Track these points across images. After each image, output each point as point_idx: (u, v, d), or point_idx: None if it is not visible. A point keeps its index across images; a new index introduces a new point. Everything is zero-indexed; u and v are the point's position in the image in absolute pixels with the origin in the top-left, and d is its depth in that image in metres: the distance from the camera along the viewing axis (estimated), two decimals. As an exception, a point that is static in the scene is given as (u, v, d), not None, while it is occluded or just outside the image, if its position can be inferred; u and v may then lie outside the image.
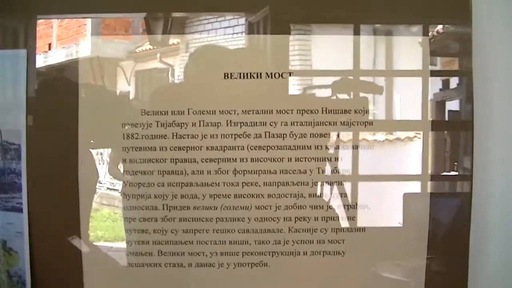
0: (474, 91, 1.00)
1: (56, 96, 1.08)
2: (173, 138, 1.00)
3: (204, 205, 1.00)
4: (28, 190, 1.04)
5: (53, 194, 1.05)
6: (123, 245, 1.04)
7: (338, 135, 1.01)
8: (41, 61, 1.10)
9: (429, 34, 1.02)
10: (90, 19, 1.09)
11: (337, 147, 1.01)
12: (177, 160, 0.99)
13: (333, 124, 1.01)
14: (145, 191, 1.01)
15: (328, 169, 1.02)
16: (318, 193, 1.02)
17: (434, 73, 1.03)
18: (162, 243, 1.02)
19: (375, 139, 1.04)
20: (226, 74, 1.00)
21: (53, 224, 1.05)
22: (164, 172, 1.00)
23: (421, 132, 1.01)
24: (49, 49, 1.12)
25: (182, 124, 0.99)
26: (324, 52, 1.06)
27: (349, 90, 1.04)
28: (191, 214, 1.01)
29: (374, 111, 1.02)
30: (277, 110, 1.00)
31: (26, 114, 1.04)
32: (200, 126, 1.00)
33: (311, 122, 1.00)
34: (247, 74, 1.00)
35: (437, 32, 1.02)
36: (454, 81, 1.06)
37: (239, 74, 1.00)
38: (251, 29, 1.04)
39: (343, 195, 1.02)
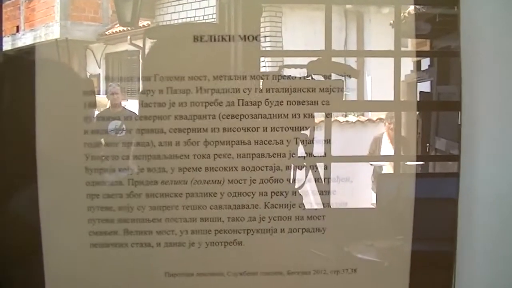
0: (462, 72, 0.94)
1: (23, 75, 1.00)
2: (138, 106, 0.92)
3: (173, 179, 0.94)
4: None
5: (9, 170, 0.97)
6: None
7: (315, 103, 0.93)
8: (8, 44, 1.06)
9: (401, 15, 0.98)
10: (58, 1, 1.06)
11: (312, 116, 0.93)
12: (143, 131, 0.92)
13: (312, 91, 0.93)
14: (109, 165, 0.93)
15: (306, 139, 0.95)
16: (296, 165, 0.94)
17: (420, 54, 1.02)
18: (128, 221, 0.95)
19: (346, 120, 1.02)
20: (196, 37, 0.92)
21: (10, 202, 0.98)
22: (129, 144, 0.92)
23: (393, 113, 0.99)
24: (17, 31, 1.08)
25: (148, 92, 0.92)
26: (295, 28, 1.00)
27: (324, 71, 0.98)
28: (159, 189, 0.94)
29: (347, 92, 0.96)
30: (251, 76, 0.93)
31: None
32: (167, 93, 0.93)
33: (288, 89, 0.92)
34: (219, 36, 0.92)
35: (408, 13, 0.99)
36: (425, 62, 1.04)
37: (210, 37, 0.92)
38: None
39: (322, 167, 0.95)
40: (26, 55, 1.03)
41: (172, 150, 0.96)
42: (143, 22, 1.03)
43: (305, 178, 0.97)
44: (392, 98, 0.99)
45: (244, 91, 0.95)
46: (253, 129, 0.96)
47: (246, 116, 0.95)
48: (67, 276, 1.00)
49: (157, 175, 0.96)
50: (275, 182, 0.96)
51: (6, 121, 0.99)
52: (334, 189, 0.98)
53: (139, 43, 1.06)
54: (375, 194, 1.01)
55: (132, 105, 1.02)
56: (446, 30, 1.02)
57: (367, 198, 1.02)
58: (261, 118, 0.96)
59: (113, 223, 0.97)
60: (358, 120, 1.00)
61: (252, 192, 0.96)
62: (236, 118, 0.95)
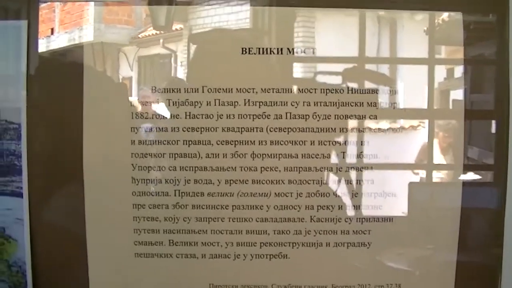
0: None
1: (59, 76, 1.02)
2: (186, 118, 0.94)
3: (220, 191, 0.94)
4: (28, 174, 0.96)
5: (55, 178, 0.97)
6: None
7: (363, 117, 0.93)
8: (43, 46, 1.06)
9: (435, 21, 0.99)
10: (93, 4, 1.06)
11: (361, 130, 0.93)
12: (190, 142, 0.93)
13: (360, 105, 0.93)
14: (156, 176, 0.93)
15: (353, 154, 0.95)
16: (343, 179, 0.94)
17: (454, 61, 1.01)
18: (173, 232, 0.96)
19: (379, 128, 1.00)
20: (244, 49, 0.93)
21: (55, 210, 0.98)
22: (176, 155, 0.93)
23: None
24: (52, 33, 1.08)
25: (196, 103, 0.92)
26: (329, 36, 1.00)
27: (360, 79, 0.99)
28: (205, 201, 0.94)
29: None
30: (299, 89, 0.93)
31: (26, 90, 0.96)
32: (215, 105, 0.93)
33: (336, 103, 0.92)
34: (267, 49, 0.93)
35: (443, 20, 0.99)
36: (459, 70, 1.01)
37: (258, 50, 0.92)
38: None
39: (369, 181, 0.95)
40: (63, 57, 1.03)
41: (219, 162, 0.96)
42: (176, 26, 1.04)
43: (351, 192, 0.97)
44: (425, 106, 1.00)
45: (292, 104, 0.95)
46: (301, 143, 0.96)
47: (294, 130, 0.95)
48: (111, 285, 1.01)
49: (204, 186, 0.96)
50: (321, 196, 0.97)
51: (52, 128, 0.99)
52: (380, 204, 0.98)
53: (172, 46, 1.06)
54: (418, 205, 1.00)
55: (162, 108, 1.02)
56: (480, 38, 1.02)
57: (410, 210, 1.01)
58: (309, 131, 0.95)
59: (158, 234, 0.98)
60: (390, 128, 0.98)
61: (299, 206, 0.97)
62: (284, 131, 0.95)
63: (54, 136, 0.99)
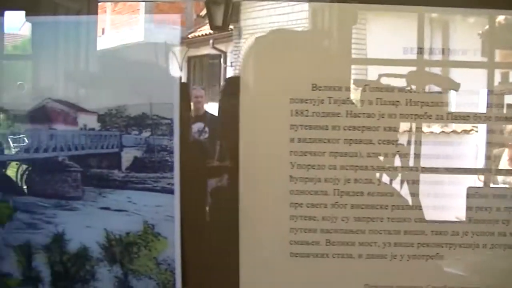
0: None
1: (211, 72, 1.06)
2: (347, 116, 0.91)
3: (379, 191, 0.92)
4: (181, 170, 0.94)
5: (208, 174, 0.96)
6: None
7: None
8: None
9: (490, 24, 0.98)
10: (143, 4, 1.07)
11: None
12: (351, 141, 0.91)
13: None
14: (315, 174, 0.92)
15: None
16: (502, 180, 0.94)
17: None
18: (330, 232, 0.94)
19: (431, 131, 1.01)
20: (405, 49, 0.92)
21: (207, 208, 0.96)
22: (336, 154, 0.92)
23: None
24: (102, 33, 1.08)
25: (362, 102, 0.91)
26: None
27: (425, 83, 0.99)
28: (364, 200, 0.94)
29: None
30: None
31: (180, 86, 0.95)
32: (377, 104, 0.91)
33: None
34: (429, 49, 0.92)
35: (498, 22, 0.98)
36: None
37: (419, 49, 0.92)
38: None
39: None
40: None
41: (380, 162, 0.95)
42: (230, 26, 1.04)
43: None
44: (478, 110, 0.99)
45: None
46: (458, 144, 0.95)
47: (458, 131, 0.94)
48: (262, 285, 1.00)
49: (364, 186, 0.95)
50: (481, 197, 0.96)
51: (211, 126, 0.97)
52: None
53: (222, 47, 1.09)
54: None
55: (213, 108, 1.04)
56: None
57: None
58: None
59: (315, 233, 0.97)
60: (443, 132, 1.00)
61: (457, 207, 0.96)
62: (446, 134, 0.94)
63: (209, 132, 0.96)
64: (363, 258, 0.96)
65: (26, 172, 1.03)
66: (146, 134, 0.96)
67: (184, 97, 0.94)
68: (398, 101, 0.94)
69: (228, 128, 0.94)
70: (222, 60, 1.10)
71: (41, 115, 1.02)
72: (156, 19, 1.08)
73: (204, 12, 1.06)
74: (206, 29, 1.10)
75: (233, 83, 0.94)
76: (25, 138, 1.02)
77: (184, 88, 0.95)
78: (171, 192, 0.96)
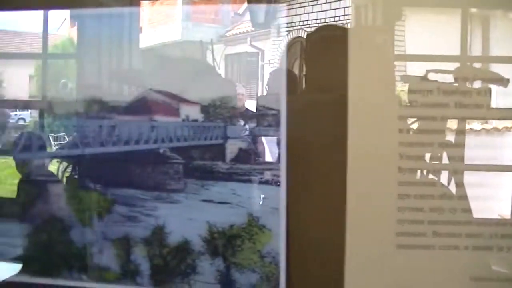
0: None
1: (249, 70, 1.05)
2: (455, 107, 0.91)
3: (488, 182, 0.92)
4: (287, 161, 0.93)
5: (315, 166, 0.95)
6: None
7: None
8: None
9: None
10: (180, 3, 1.11)
11: None
12: (459, 132, 0.91)
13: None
14: (423, 165, 0.92)
15: None
16: None
17: None
18: (437, 223, 0.93)
19: (471, 128, 1.00)
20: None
21: (314, 201, 0.95)
22: (444, 145, 0.91)
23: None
24: (140, 32, 1.11)
25: (466, 93, 0.90)
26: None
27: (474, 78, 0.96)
28: (472, 192, 0.92)
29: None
30: None
31: (286, 77, 0.94)
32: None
33: None
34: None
35: None
36: None
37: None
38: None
39: None
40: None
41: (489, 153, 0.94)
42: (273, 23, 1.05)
43: None
44: None
45: None
46: None
47: None
48: (368, 277, 0.99)
49: (472, 177, 0.94)
50: None
51: (314, 115, 0.96)
52: None
53: (259, 45, 1.09)
54: None
55: (251, 105, 1.04)
56: None
57: None
58: None
59: (422, 225, 0.96)
60: (483, 128, 0.99)
61: None
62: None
63: (316, 124, 0.95)
64: (469, 250, 0.95)
65: (125, 165, 1.01)
66: (251, 125, 0.95)
67: (292, 88, 0.92)
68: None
69: (335, 119, 0.92)
70: (259, 57, 1.09)
71: (142, 106, 1.00)
72: (193, 17, 1.13)
73: (242, 10, 1.08)
74: (243, 27, 1.11)
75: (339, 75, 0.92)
76: (125, 130, 1.00)
77: (291, 78, 0.93)
78: (277, 183, 0.94)
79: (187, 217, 0.98)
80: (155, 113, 0.98)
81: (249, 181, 0.95)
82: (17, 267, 1.16)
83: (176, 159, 0.98)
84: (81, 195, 1.04)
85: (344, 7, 1.01)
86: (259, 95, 0.99)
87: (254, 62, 1.08)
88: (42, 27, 1.25)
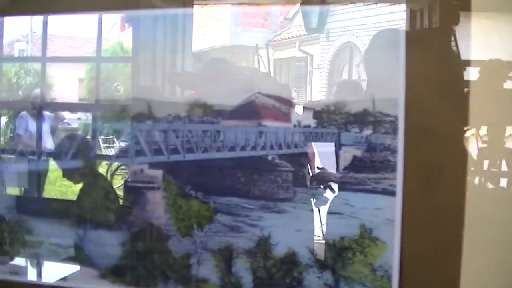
0: None
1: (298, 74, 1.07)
2: None
3: None
4: (404, 171, 0.88)
5: (435, 175, 0.90)
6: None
7: None
8: None
9: None
10: (230, 8, 1.10)
11: None
12: None
13: None
14: None
15: None
16: None
17: None
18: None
19: None
20: None
21: (432, 213, 0.90)
22: None
23: None
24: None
25: None
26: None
27: None
28: None
29: None
30: None
31: (405, 80, 0.89)
32: None
33: None
34: None
35: None
36: None
37: None
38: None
39: None
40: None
41: None
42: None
43: None
44: None
45: None
46: None
47: None
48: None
49: None
50: None
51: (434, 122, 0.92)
52: None
53: (308, 49, 1.08)
54: None
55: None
56: None
57: None
58: None
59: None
60: None
61: None
62: None
63: (434, 131, 0.91)
64: None
65: (230, 172, 0.97)
66: (367, 132, 0.91)
67: (410, 93, 0.87)
68: None
69: (454, 123, 0.88)
70: (308, 62, 1.09)
71: (250, 110, 0.96)
72: (242, 22, 1.13)
73: (291, 14, 1.09)
74: (292, 32, 1.11)
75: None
76: (230, 135, 0.96)
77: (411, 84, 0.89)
78: (392, 194, 0.91)
79: (295, 227, 0.95)
80: (264, 118, 0.93)
81: (363, 190, 0.91)
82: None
83: (285, 167, 0.93)
84: (180, 203, 0.99)
85: (395, 12, 0.97)
86: (307, 100, 1.02)
87: (303, 67, 1.09)
88: (97, 31, 1.23)
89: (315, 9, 1.00)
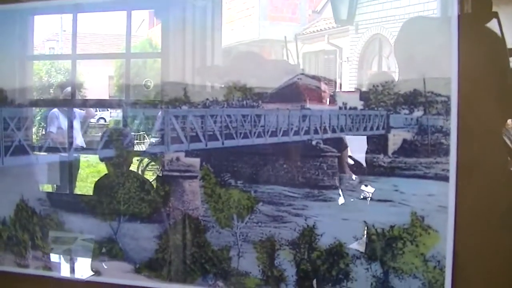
0: None
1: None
2: None
3: None
4: (458, 154, 0.83)
5: (488, 159, 0.85)
6: None
7: None
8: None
9: None
10: (258, 2, 1.10)
11: None
12: None
13: None
14: None
15: None
16: None
17: None
18: None
19: None
20: None
21: (487, 200, 0.86)
22: None
23: None
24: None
25: None
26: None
27: None
28: None
29: None
30: None
31: (458, 58, 0.84)
32: None
33: None
34: None
35: None
36: None
37: None
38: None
39: None
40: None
41: None
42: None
43: None
44: None
45: None
46: None
47: None
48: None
49: None
50: None
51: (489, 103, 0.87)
52: None
53: (337, 42, 1.06)
54: None
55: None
56: None
57: None
58: None
59: None
60: None
61: None
62: None
63: (490, 113, 0.86)
64: None
65: (271, 158, 0.93)
66: (418, 113, 0.88)
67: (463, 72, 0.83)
68: None
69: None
70: (337, 55, 1.07)
71: (292, 93, 0.92)
72: (270, 16, 1.12)
73: (320, 7, 1.08)
74: (321, 25, 1.10)
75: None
76: (271, 120, 0.92)
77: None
78: (445, 179, 0.87)
79: (341, 216, 0.91)
80: (307, 100, 0.90)
81: (414, 176, 0.87)
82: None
83: (330, 152, 0.89)
84: (219, 192, 0.95)
85: (424, 3, 0.95)
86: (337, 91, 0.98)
87: (332, 60, 1.07)
88: (126, 28, 1.21)
89: (345, 0, 0.97)
